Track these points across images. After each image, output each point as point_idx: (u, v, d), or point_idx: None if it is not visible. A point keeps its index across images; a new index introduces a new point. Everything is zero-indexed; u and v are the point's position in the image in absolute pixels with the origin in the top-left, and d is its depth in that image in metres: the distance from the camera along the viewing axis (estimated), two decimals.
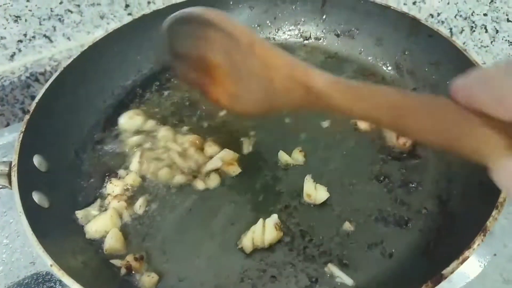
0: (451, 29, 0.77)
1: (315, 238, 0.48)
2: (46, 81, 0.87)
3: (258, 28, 0.77)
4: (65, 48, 0.86)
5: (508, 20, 0.67)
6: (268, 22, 0.77)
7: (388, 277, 0.42)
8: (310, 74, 0.39)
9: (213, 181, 0.54)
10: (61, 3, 0.81)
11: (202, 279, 0.45)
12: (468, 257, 0.37)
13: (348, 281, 0.43)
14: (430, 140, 0.33)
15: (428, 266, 0.39)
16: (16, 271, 0.53)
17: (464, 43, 0.76)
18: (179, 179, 0.54)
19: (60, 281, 0.51)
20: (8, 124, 0.86)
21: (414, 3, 0.82)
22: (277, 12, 0.76)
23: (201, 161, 0.56)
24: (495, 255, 0.51)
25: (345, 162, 0.55)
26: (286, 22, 0.77)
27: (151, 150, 0.58)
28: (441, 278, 0.35)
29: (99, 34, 0.87)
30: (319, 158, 0.56)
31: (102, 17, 0.87)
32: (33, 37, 0.82)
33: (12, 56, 0.82)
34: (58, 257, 0.38)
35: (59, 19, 0.83)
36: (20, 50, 0.82)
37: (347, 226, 0.48)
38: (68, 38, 0.86)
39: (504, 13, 0.67)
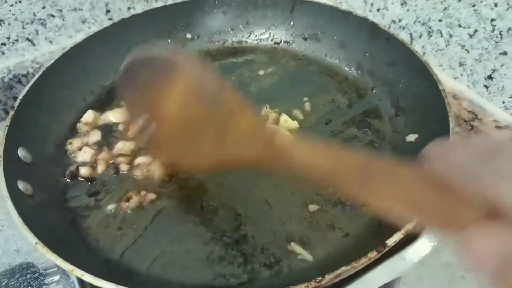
0: (411, 34, 0.83)
1: (283, 218, 0.53)
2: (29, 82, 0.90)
3: (231, 31, 0.82)
4: (47, 51, 0.89)
5: (459, 26, 0.73)
6: (241, 26, 0.82)
7: (343, 253, 0.47)
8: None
9: None
10: (43, 7, 0.84)
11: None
12: (409, 229, 0.42)
13: (308, 257, 0.48)
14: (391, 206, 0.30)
15: (377, 242, 0.44)
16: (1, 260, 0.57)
17: (423, 47, 0.82)
18: None
19: (44, 269, 0.55)
20: None
21: (378, 10, 0.88)
22: (249, 17, 0.81)
23: None
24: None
25: None
26: (258, 27, 0.82)
27: None
28: (384, 246, 0.40)
29: (80, 37, 0.90)
30: None
31: (83, 22, 0.90)
32: (16, 40, 0.85)
33: None
34: (42, 236, 0.42)
35: (42, 23, 0.86)
36: (3, 53, 0.85)
37: (312, 207, 0.54)
38: (51, 42, 0.89)
39: (456, 19, 0.73)
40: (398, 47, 0.66)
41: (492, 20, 0.68)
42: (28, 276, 0.55)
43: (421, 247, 0.56)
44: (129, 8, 0.93)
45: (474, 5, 0.69)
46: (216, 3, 0.79)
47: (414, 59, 0.62)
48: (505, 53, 0.68)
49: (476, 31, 0.71)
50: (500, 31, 0.67)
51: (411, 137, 0.61)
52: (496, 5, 0.66)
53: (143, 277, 0.46)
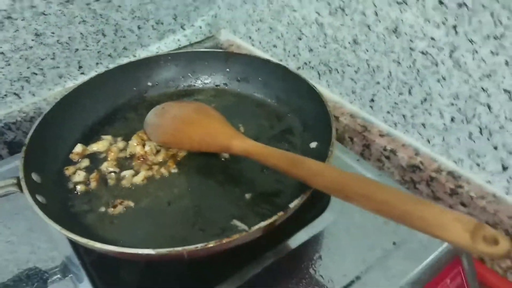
0: (318, 72, 1.09)
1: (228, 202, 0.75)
2: (17, 129, 1.08)
3: (182, 78, 1.04)
4: (31, 102, 1.06)
5: (348, 65, 1.00)
6: (189, 74, 1.03)
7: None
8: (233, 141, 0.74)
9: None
10: (28, 68, 1.03)
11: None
12: (307, 196, 0.64)
13: (245, 227, 0.69)
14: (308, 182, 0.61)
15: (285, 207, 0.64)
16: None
17: (327, 81, 1.08)
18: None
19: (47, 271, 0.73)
20: None
21: (294, 55, 1.14)
22: (195, 67, 1.03)
23: None
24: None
25: None
26: (202, 73, 1.03)
27: None
28: (288, 209, 0.62)
29: (58, 90, 1.10)
30: None
31: (60, 77, 1.08)
32: (5, 95, 1.02)
33: None
34: (63, 225, 0.62)
35: (26, 80, 1.03)
36: None
37: (247, 195, 0.76)
38: (33, 94, 1.06)
39: (345, 61, 1.00)
40: (303, 84, 0.88)
41: (367, 60, 0.95)
42: (35, 277, 0.72)
43: (328, 216, 0.80)
44: (97, 64, 1.14)
45: (354, 51, 0.97)
46: (169, 58, 1.02)
47: (313, 91, 0.85)
48: (378, 83, 0.96)
49: (358, 68, 0.98)
50: (373, 68, 0.95)
51: (313, 144, 0.81)
52: (367, 50, 0.94)
53: (136, 245, 0.66)
